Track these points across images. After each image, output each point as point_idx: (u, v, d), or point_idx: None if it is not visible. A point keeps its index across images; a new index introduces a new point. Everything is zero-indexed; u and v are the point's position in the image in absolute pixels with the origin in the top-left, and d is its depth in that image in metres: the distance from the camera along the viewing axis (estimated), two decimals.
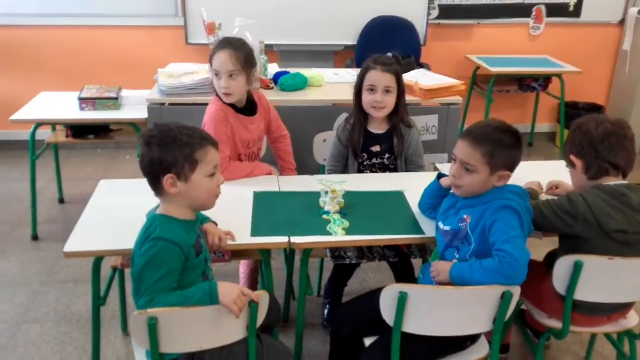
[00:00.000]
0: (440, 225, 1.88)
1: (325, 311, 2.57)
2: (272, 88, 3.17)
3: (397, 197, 2.21)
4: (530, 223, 1.79)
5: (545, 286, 1.97)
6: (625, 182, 1.92)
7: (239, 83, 2.33)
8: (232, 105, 2.39)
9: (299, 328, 2.09)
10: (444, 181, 1.97)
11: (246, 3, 4.23)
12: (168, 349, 1.58)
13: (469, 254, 1.77)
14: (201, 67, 3.21)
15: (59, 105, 3.28)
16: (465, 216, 1.79)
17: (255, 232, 1.94)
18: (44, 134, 3.40)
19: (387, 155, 2.51)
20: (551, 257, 2.11)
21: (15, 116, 3.08)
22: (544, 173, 2.33)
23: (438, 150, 3.14)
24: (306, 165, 2.86)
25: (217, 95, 2.40)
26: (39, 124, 3.12)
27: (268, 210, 2.09)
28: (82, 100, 3.18)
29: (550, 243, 2.10)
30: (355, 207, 2.12)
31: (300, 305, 2.07)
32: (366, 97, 2.43)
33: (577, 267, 1.82)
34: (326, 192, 2.10)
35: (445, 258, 1.83)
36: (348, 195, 2.14)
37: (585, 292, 1.87)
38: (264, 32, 4.23)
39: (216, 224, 1.89)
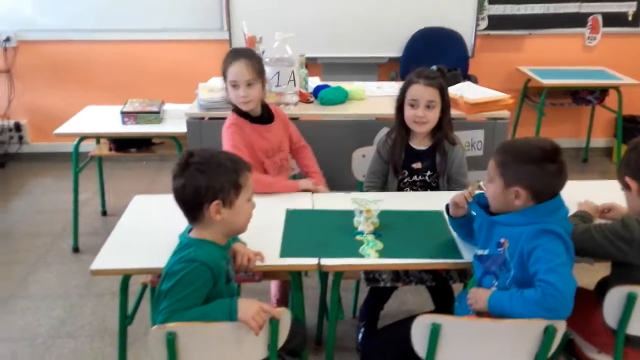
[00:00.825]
0: (477, 250, 1.76)
1: (360, 335, 2.47)
2: (312, 102, 3.12)
3: (436, 218, 2.10)
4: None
5: (596, 318, 1.81)
6: None
7: (256, 91, 2.37)
8: (247, 116, 2.40)
9: (329, 353, 2.01)
10: (452, 211, 1.90)
11: (290, 16, 4.22)
12: None
13: (508, 281, 1.64)
14: None
15: (103, 118, 3.33)
16: (502, 240, 1.67)
17: (284, 253, 1.87)
18: (90, 146, 3.47)
19: (429, 173, 2.41)
20: (603, 286, 1.95)
21: (60, 130, 3.14)
22: (598, 193, 2.15)
23: (484, 167, 2.94)
24: (344, 182, 2.78)
25: (232, 110, 2.43)
26: (82, 137, 3.17)
27: (300, 229, 2.02)
28: (124, 114, 3.21)
29: (604, 268, 1.93)
30: (390, 227, 2.02)
31: (331, 329, 1.99)
32: (408, 112, 2.34)
33: (630, 299, 1.67)
34: (360, 212, 2.02)
35: (484, 285, 1.72)
36: (384, 214, 2.04)
37: (639, 327, 1.72)
38: (308, 44, 4.21)
39: (245, 244, 1.84)
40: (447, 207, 1.95)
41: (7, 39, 4.32)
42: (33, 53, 4.45)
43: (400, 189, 2.44)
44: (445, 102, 2.35)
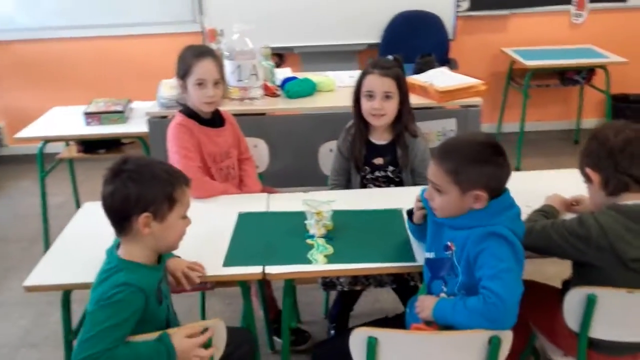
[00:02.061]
0: (425, 252, 1.67)
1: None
2: (278, 95, 3.01)
3: (393, 217, 2.00)
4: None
5: (560, 318, 1.72)
6: None
7: (220, 92, 2.28)
8: (195, 118, 2.28)
9: (284, 357, 1.92)
10: (415, 217, 1.78)
11: (265, 5, 4.10)
12: None
13: (457, 287, 1.54)
14: None
15: (69, 120, 3.24)
16: (449, 244, 1.57)
17: (228, 262, 1.78)
18: (59, 147, 3.40)
19: (391, 168, 2.31)
20: (569, 284, 1.86)
21: (21, 134, 3.07)
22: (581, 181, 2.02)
23: None
24: (312, 178, 2.69)
25: (180, 110, 2.32)
26: (46, 141, 3.10)
27: (249, 234, 1.93)
28: (87, 115, 3.13)
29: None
30: (344, 229, 1.93)
31: (284, 337, 1.90)
32: (365, 104, 2.24)
33: (590, 301, 1.58)
34: (312, 214, 1.92)
35: (432, 291, 1.62)
36: (339, 215, 1.95)
37: (602, 330, 1.63)
38: (284, 34, 4.13)
39: (179, 257, 1.74)
40: (409, 212, 1.84)
41: None
42: (8, 53, 4.37)
43: (363, 185, 2.34)
44: (404, 93, 2.24)
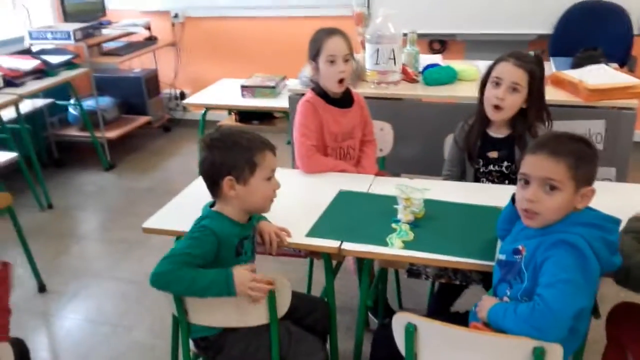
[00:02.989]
0: (499, 253, 1.58)
1: None
2: (417, 82, 2.99)
3: (488, 214, 1.91)
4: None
5: None
6: None
7: (350, 68, 2.34)
8: (324, 97, 2.35)
9: (358, 340, 1.97)
10: None
11: None
12: (195, 320, 1.71)
13: (520, 293, 1.46)
14: None
15: (230, 91, 3.57)
16: (520, 247, 1.48)
17: (312, 232, 1.87)
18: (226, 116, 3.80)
19: (506, 164, 2.20)
20: None
21: (188, 100, 3.47)
22: None
23: (603, 163, 2.60)
24: (435, 167, 2.64)
25: (312, 88, 2.40)
26: (207, 108, 3.46)
27: (341, 211, 2.00)
28: (243, 88, 3.42)
29: None
30: (433, 219, 1.91)
31: (360, 314, 1.96)
32: (489, 92, 2.15)
33: None
34: (402, 199, 1.93)
35: (497, 293, 1.54)
36: (432, 204, 1.94)
37: None
38: (449, 20, 4.06)
39: (269, 221, 1.88)
40: (513, 196, 1.75)
41: (176, 16, 4.84)
42: (197, 28, 4.92)
43: (477, 178, 2.27)
44: (534, 91, 2.10)
